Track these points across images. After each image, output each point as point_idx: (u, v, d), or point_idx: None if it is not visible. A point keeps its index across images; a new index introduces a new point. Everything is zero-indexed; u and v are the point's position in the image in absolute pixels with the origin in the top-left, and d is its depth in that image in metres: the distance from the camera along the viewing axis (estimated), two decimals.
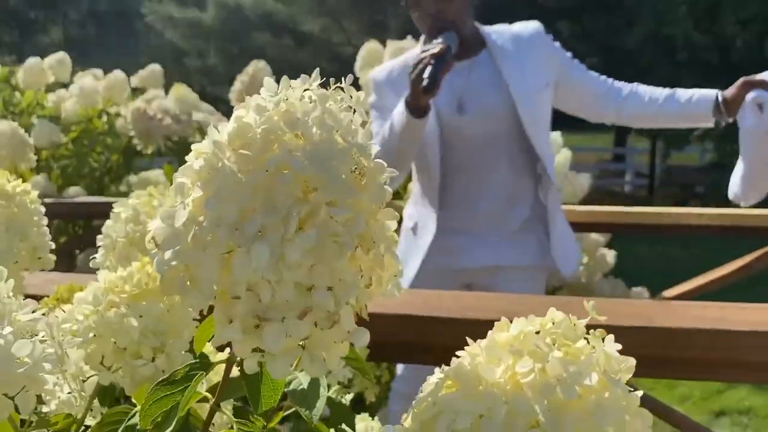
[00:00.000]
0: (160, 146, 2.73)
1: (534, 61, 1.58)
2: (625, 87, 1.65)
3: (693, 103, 1.57)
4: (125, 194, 3.01)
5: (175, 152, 2.84)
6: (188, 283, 0.37)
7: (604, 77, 1.69)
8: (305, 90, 0.40)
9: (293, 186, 0.36)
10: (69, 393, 0.43)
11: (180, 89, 2.85)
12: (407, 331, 0.97)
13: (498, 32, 1.62)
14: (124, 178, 3.18)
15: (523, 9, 14.03)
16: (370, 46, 2.66)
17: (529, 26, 1.66)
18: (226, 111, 2.95)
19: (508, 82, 1.53)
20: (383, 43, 2.55)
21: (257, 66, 2.55)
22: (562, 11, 12.33)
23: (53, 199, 2.62)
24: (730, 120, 1.55)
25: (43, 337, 0.41)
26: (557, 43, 1.66)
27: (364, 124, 0.40)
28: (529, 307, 1.02)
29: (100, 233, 0.74)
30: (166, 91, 3.29)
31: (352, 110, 0.40)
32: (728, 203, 1.80)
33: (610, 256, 2.68)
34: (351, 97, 0.40)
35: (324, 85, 0.41)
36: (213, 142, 0.37)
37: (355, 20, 12.78)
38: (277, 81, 0.40)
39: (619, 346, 0.36)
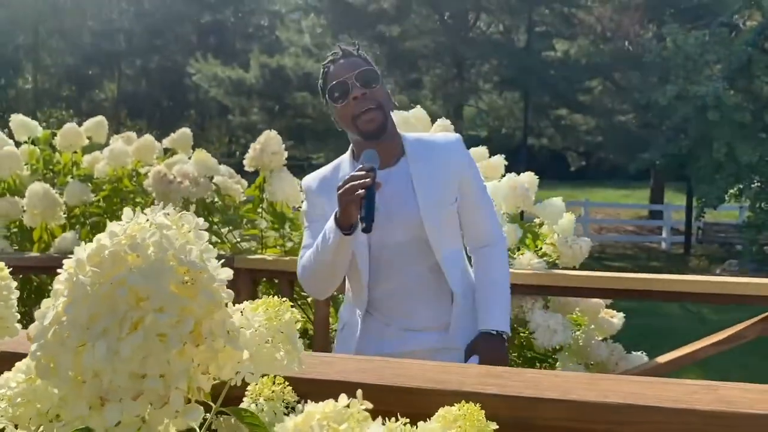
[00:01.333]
0: (178, 206, 2.90)
1: (446, 177, 1.65)
2: (487, 246, 1.74)
3: (478, 309, 1.70)
4: None
5: (195, 212, 3.01)
6: (51, 369, 0.48)
7: (494, 222, 1.76)
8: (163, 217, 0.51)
9: (129, 296, 0.47)
10: None
11: (200, 154, 3.04)
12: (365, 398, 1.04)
13: (419, 141, 1.70)
14: None
15: (555, 66, 14.25)
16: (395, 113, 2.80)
17: (450, 139, 1.73)
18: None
19: (417, 195, 1.61)
20: (416, 101, 2.67)
21: (269, 135, 2.71)
22: (593, 67, 12.53)
23: None
24: None
25: None
26: (475, 163, 1.73)
27: (203, 244, 0.51)
28: (477, 380, 1.09)
29: None
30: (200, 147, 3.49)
31: (192, 233, 0.51)
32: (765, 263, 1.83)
33: (618, 318, 2.67)
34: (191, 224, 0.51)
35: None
36: (76, 259, 0.49)
37: (391, 78, 13.15)
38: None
39: (381, 428, 0.45)
